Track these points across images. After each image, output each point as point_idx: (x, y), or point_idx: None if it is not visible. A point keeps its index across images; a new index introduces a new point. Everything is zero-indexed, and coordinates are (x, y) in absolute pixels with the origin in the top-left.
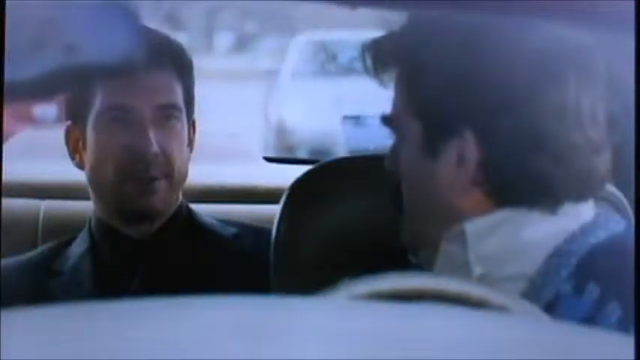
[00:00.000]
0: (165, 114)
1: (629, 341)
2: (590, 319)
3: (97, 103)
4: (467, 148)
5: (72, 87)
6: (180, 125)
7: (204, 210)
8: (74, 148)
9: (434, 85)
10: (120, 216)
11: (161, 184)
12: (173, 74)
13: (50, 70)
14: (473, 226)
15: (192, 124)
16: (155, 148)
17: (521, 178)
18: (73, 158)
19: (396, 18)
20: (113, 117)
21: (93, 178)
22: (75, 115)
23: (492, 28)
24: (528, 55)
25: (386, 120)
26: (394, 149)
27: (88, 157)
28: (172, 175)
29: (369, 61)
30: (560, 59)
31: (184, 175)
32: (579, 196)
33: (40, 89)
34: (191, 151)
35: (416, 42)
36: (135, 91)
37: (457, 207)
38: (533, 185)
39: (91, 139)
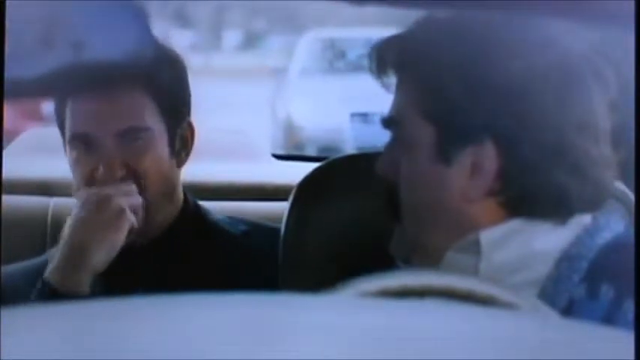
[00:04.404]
0: (130, 137)
1: (631, 339)
2: (607, 319)
3: (67, 129)
4: (486, 156)
5: (80, 84)
6: (151, 144)
7: (213, 207)
8: None
9: (454, 90)
10: None
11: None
12: (141, 92)
13: (58, 67)
14: (488, 236)
15: (187, 125)
16: (119, 173)
17: (539, 190)
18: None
19: (405, 16)
20: (77, 147)
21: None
22: (61, 131)
23: (512, 32)
24: (554, 65)
25: (388, 122)
26: (391, 152)
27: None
28: (147, 192)
29: (374, 63)
30: (584, 72)
31: (167, 186)
32: (590, 209)
33: (49, 86)
34: (187, 155)
35: (432, 44)
36: (96, 119)
37: (469, 216)
38: (550, 197)
39: (69, 161)
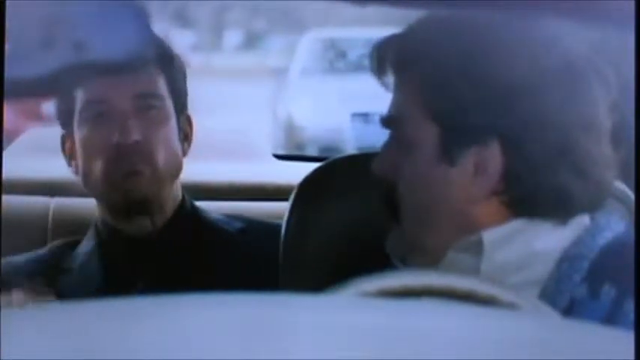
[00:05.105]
0: (145, 103)
1: (631, 339)
2: (609, 319)
3: (78, 102)
4: (491, 157)
5: (80, 84)
6: (164, 115)
7: (213, 207)
8: (70, 155)
9: (457, 90)
10: (114, 212)
11: (145, 172)
12: (153, 66)
13: (59, 67)
14: (491, 236)
15: (186, 119)
16: (135, 136)
17: (542, 191)
18: (70, 165)
19: (406, 16)
20: (92, 112)
21: (84, 178)
22: (64, 122)
23: (513, 32)
24: (556, 65)
25: (388, 121)
26: (389, 152)
27: (78, 158)
28: (156, 163)
29: (375, 63)
30: (586, 72)
31: (175, 167)
32: (591, 209)
33: (49, 86)
34: (188, 145)
35: (433, 43)
36: (112, 85)
37: (471, 216)
38: (553, 197)
39: (77, 140)
